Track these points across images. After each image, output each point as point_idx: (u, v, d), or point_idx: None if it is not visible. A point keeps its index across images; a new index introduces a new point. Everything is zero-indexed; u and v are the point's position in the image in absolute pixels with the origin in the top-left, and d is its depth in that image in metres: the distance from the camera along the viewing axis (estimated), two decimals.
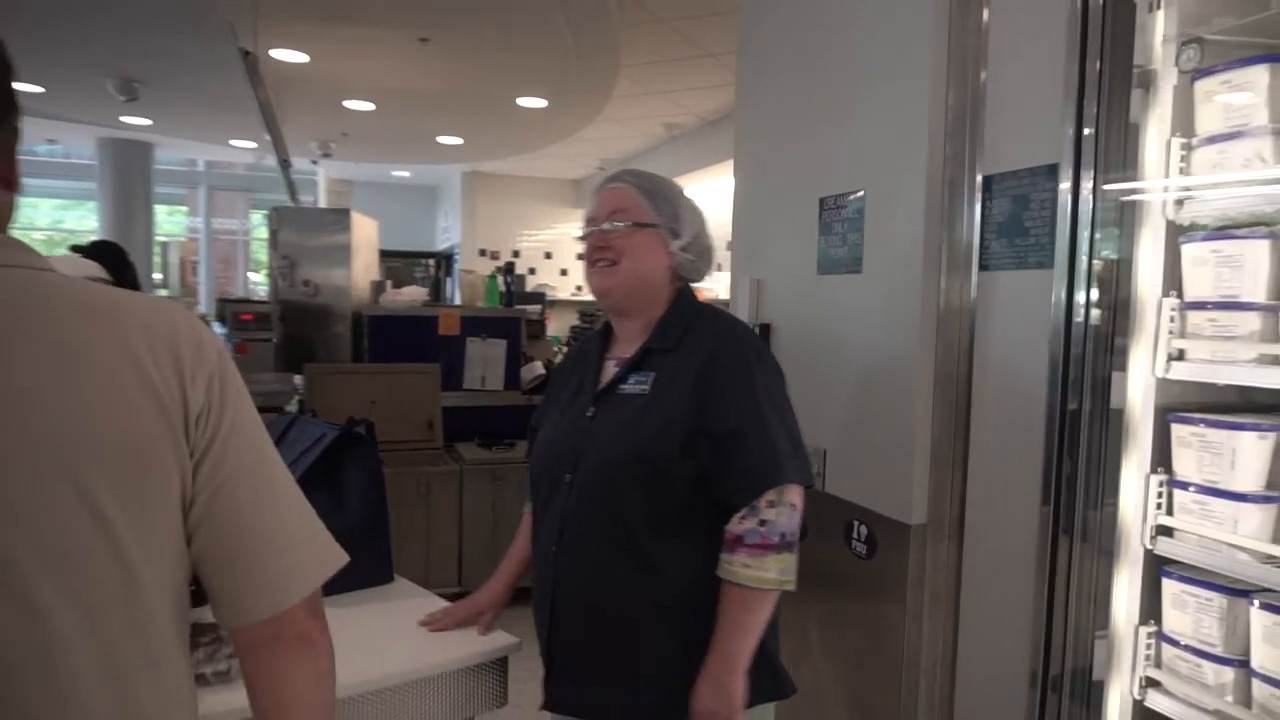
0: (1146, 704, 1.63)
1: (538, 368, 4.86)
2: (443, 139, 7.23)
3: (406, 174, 10.71)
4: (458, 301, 9.22)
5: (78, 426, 0.73)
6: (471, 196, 10.21)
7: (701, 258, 1.53)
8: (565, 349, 5.77)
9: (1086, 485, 1.62)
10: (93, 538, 0.74)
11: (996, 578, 1.79)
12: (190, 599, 0.87)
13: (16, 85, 0.83)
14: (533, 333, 5.09)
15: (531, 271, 10.16)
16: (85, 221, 12.18)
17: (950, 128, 1.83)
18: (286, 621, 0.86)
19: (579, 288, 10.35)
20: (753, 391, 1.39)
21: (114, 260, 4.30)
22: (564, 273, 10.46)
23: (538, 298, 5.68)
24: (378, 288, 4.93)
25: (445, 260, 11.69)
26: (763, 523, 1.35)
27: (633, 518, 1.39)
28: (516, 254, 10.33)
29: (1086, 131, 1.57)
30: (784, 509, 1.36)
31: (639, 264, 1.48)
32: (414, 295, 4.61)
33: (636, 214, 1.48)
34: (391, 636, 1.59)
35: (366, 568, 1.78)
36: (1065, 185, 1.60)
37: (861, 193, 2.04)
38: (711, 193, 7.72)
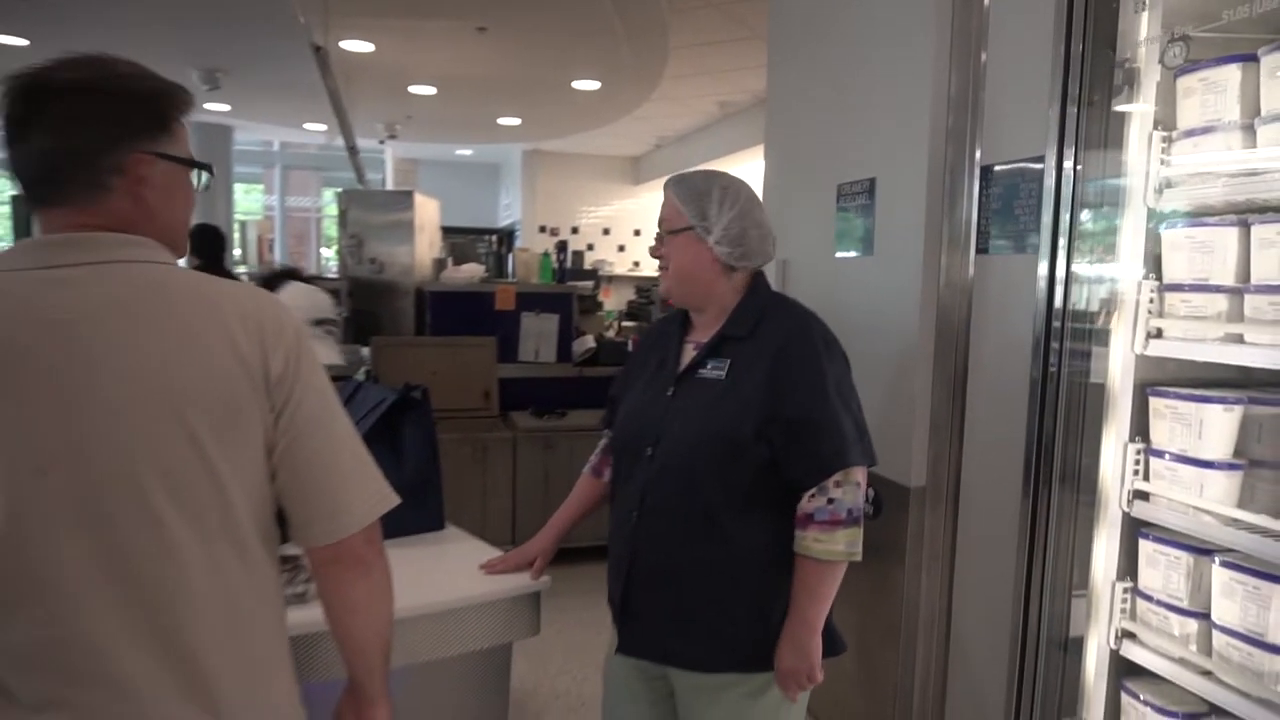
0: (1122, 653, 1.78)
1: (588, 341, 5.08)
2: (502, 120, 7.48)
3: (469, 152, 11.02)
4: (481, 267, 9.55)
5: (187, 386, 0.97)
6: (532, 174, 10.44)
7: (737, 245, 1.59)
8: (620, 323, 5.98)
9: (1064, 453, 1.77)
10: (196, 466, 0.97)
11: (986, 539, 1.95)
12: (279, 534, 1.12)
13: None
14: (584, 308, 5.31)
15: (590, 248, 10.34)
16: None
17: (951, 121, 1.97)
18: (345, 547, 1.09)
19: (636, 263, 10.52)
20: (822, 381, 1.50)
21: (212, 242, 4.68)
22: (621, 249, 10.63)
23: (591, 274, 5.88)
24: (439, 264, 5.20)
25: (507, 236, 12.00)
26: (830, 501, 1.48)
27: (708, 492, 1.52)
28: (575, 230, 10.52)
29: (1069, 125, 1.70)
30: (850, 487, 1.50)
31: (682, 265, 1.61)
32: (472, 272, 4.87)
33: (673, 220, 1.62)
34: (442, 572, 1.84)
35: (421, 515, 2.03)
36: (1051, 176, 1.73)
37: (873, 179, 2.19)
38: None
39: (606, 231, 10.70)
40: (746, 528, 1.55)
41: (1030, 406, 1.78)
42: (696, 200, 1.61)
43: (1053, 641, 1.81)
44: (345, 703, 1.21)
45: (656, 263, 1.69)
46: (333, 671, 1.28)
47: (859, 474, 1.54)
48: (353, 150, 5.81)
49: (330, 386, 1.10)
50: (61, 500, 0.92)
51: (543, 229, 10.50)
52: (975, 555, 2.00)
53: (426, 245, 5.11)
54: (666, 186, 1.67)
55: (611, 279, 9.40)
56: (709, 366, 1.60)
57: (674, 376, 1.64)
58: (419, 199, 4.91)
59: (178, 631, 0.97)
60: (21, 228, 6.76)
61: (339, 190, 5.01)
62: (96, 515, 0.93)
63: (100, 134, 0.99)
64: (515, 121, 7.61)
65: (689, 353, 1.67)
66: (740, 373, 1.56)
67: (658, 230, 1.69)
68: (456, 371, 4.46)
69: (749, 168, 8.19)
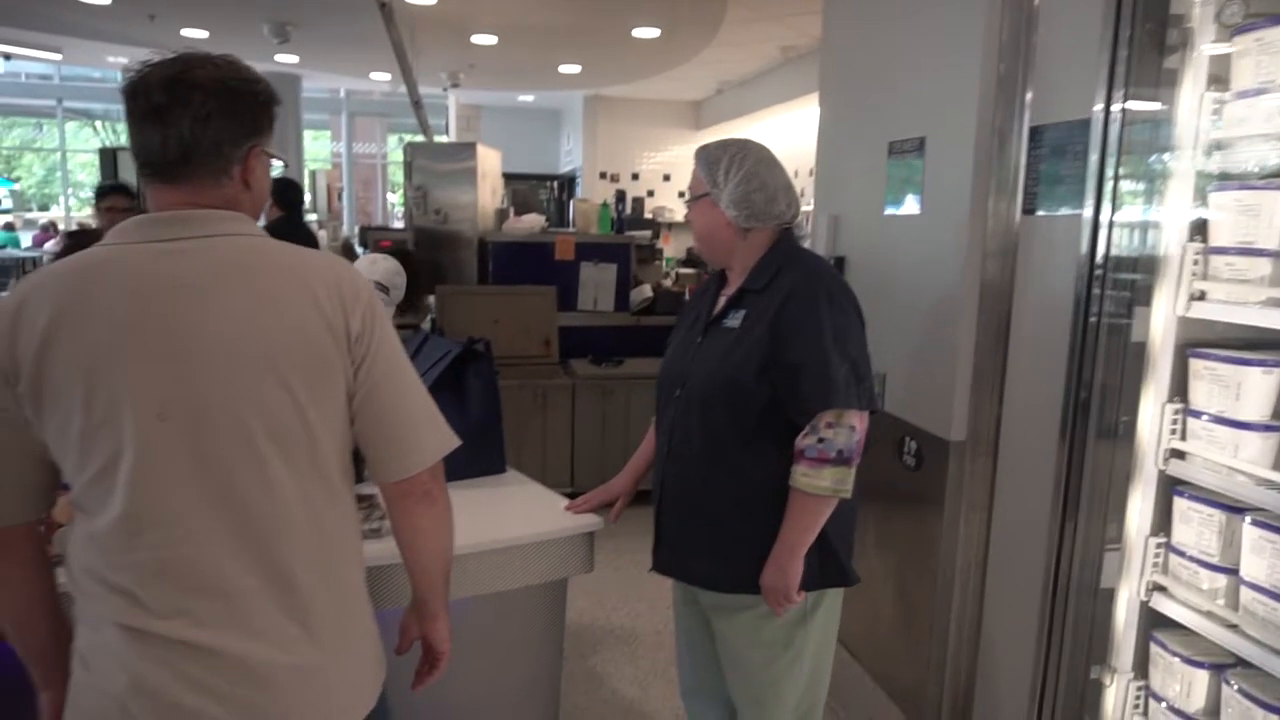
0: (1151, 605, 1.84)
1: (646, 290, 5.18)
2: (563, 68, 7.50)
3: (531, 99, 11.05)
4: (541, 217, 9.63)
5: (283, 345, 1.12)
6: (593, 120, 10.42)
7: (742, 207, 1.73)
8: (679, 271, 6.04)
9: (1102, 410, 1.81)
10: (291, 413, 1.12)
11: (1024, 491, 2.01)
12: (356, 473, 1.27)
13: (202, 47, 1.19)
14: (642, 257, 5.39)
15: (650, 194, 10.36)
16: None
17: (1000, 83, 1.98)
18: (414, 483, 1.24)
19: None
20: (817, 328, 1.63)
21: (291, 194, 4.90)
22: (682, 195, 10.59)
23: (650, 224, 5.93)
24: (501, 214, 5.33)
25: (568, 183, 12.05)
26: (821, 440, 1.62)
27: (719, 428, 1.70)
28: (636, 176, 10.51)
29: (1118, 83, 1.70)
30: (843, 430, 1.63)
31: (702, 227, 1.80)
32: (533, 223, 4.98)
33: (694, 187, 1.80)
34: (503, 512, 1.99)
35: (483, 459, 2.19)
36: (1097, 132, 1.74)
37: (923, 138, 2.22)
38: None
39: (667, 178, 10.66)
40: (753, 461, 1.71)
41: (1069, 363, 1.82)
42: (710, 168, 1.76)
43: (1084, 591, 1.88)
44: (409, 616, 1.39)
45: None
46: (401, 600, 1.44)
47: (854, 418, 1.65)
48: (417, 105, 5.94)
49: (399, 342, 1.24)
50: (180, 442, 1.08)
51: (603, 175, 10.51)
52: (1012, 506, 2.06)
53: (489, 195, 5.22)
54: (694, 157, 1.82)
55: (671, 226, 9.41)
56: (729, 317, 1.77)
57: (703, 326, 1.81)
58: (481, 150, 5.02)
59: (277, 554, 1.13)
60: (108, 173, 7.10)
61: (405, 144, 5.14)
62: (210, 455, 1.09)
63: (233, 129, 1.14)
64: (576, 69, 7.63)
65: (719, 305, 1.83)
66: (752, 322, 1.72)
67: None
68: (518, 320, 4.61)
69: (810, 113, 8.05)
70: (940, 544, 2.18)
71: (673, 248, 8.95)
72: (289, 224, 4.72)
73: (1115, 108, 1.71)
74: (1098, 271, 1.77)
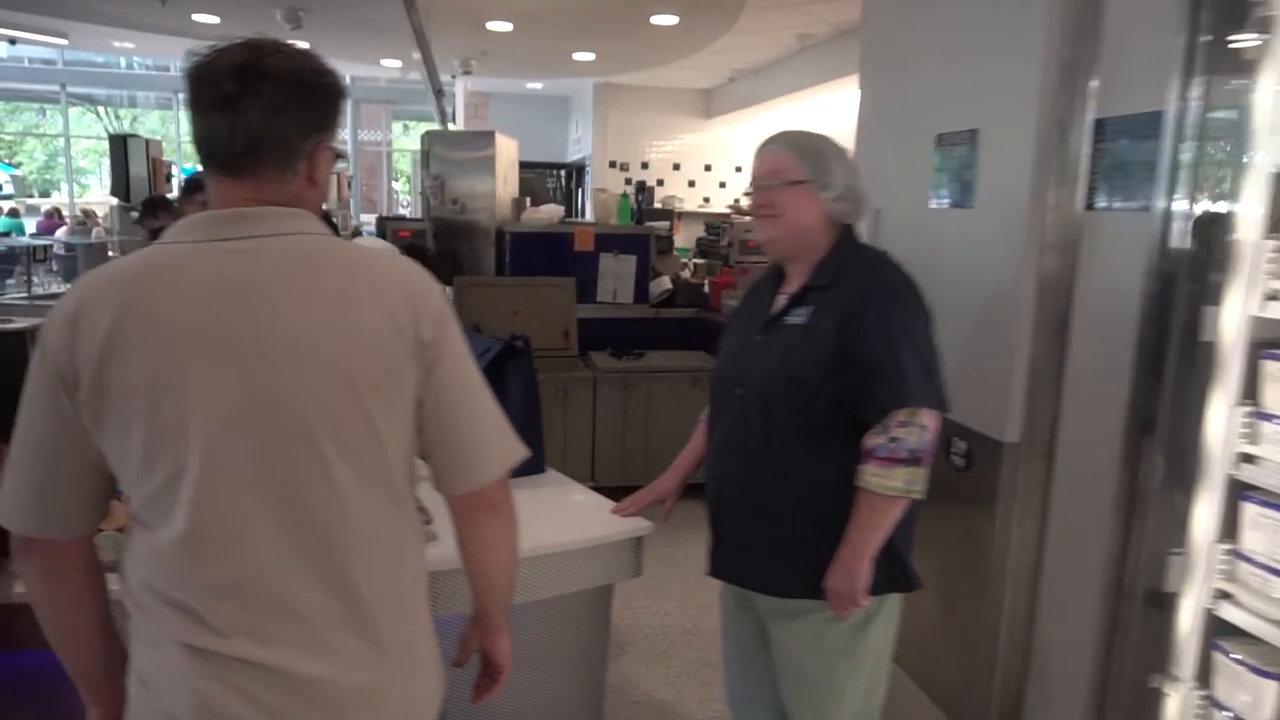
0: (1216, 613, 1.79)
1: (665, 283, 5.12)
2: (577, 55, 7.42)
3: (539, 86, 10.95)
4: (588, 213, 9.54)
5: (353, 352, 1.06)
6: (603, 108, 10.33)
7: (854, 205, 1.71)
8: (696, 262, 5.97)
9: (1171, 412, 1.75)
10: (359, 421, 1.07)
11: (1084, 494, 1.96)
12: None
13: (213, 32, 1.15)
14: (661, 248, 5.33)
15: (660, 183, 10.28)
16: None
17: (1065, 70, 1.91)
18: (482, 494, 1.19)
19: (706, 199, 10.42)
20: (888, 325, 1.60)
21: None
22: (691, 184, 10.52)
23: (666, 214, 5.86)
24: (516, 204, 5.27)
25: (577, 172, 11.97)
26: (893, 439, 1.57)
27: (783, 427, 1.65)
28: (645, 165, 10.43)
29: (1195, 73, 1.63)
30: (914, 429, 1.58)
31: (794, 217, 1.70)
32: (552, 213, 4.92)
33: (789, 173, 1.69)
34: (550, 515, 1.94)
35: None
36: (1170, 124, 1.68)
37: (976, 129, 2.15)
38: (845, 103, 7.60)
39: (677, 167, 10.58)
40: (816, 462, 1.66)
41: (1136, 363, 1.77)
42: (816, 157, 1.69)
43: (1148, 598, 1.83)
44: (471, 630, 1.34)
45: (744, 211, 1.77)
46: (453, 606, 1.39)
47: (926, 416, 1.60)
48: (439, 93, 5.86)
49: (467, 346, 1.18)
50: (247, 454, 1.02)
51: (613, 164, 10.43)
52: (1071, 510, 2.01)
53: (505, 186, 5.16)
54: (773, 142, 1.75)
55: (681, 215, 9.34)
56: (793, 314, 1.72)
57: (763, 323, 1.76)
58: (499, 140, 4.95)
59: (343, 568, 1.08)
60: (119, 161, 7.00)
61: (415, 129, 5.06)
62: (277, 467, 1.03)
63: (303, 122, 1.08)
64: (590, 57, 7.54)
65: (780, 303, 1.78)
66: (819, 319, 1.67)
67: (758, 184, 1.74)
68: (536, 311, 4.55)
69: (826, 101, 8.00)
70: (991, 547, 2.12)
71: (683, 238, 8.89)
72: None
73: (1193, 97, 1.64)
74: (1169, 269, 1.71)
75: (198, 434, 1.01)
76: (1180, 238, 1.69)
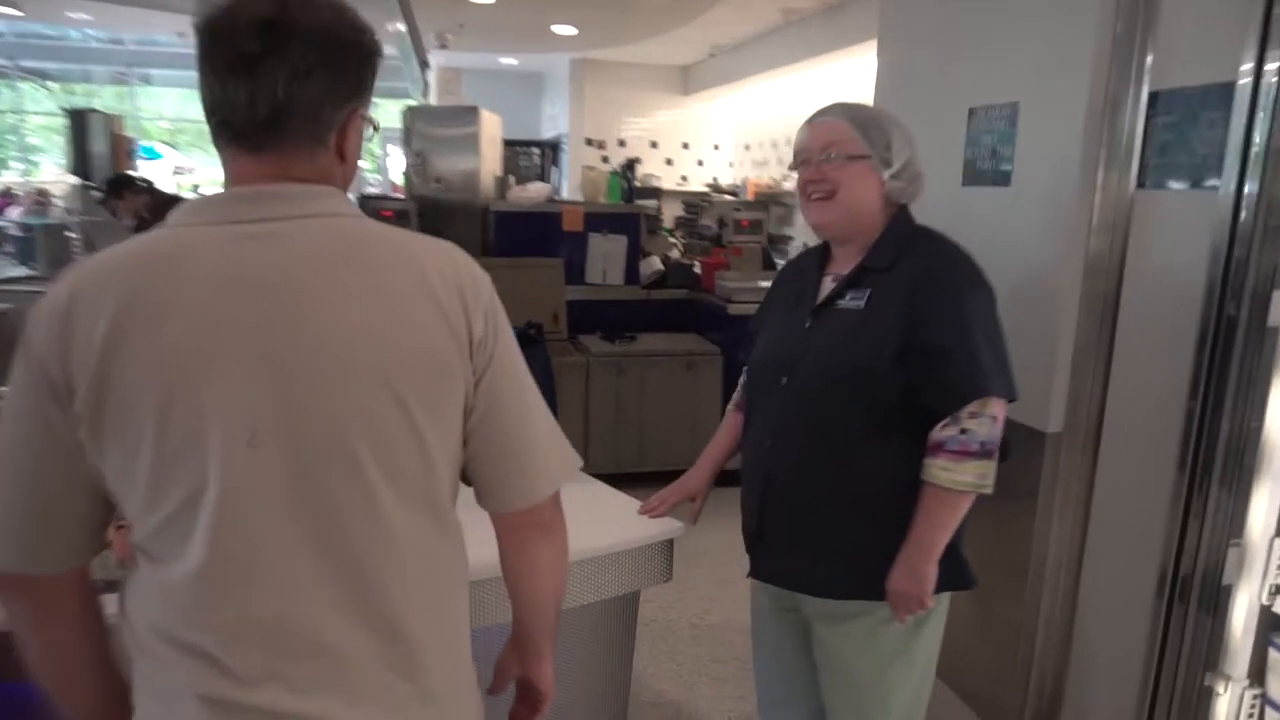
0: (1274, 609, 1.72)
1: (655, 263, 4.98)
2: (557, 28, 7.19)
3: (514, 61, 10.67)
4: (564, 193, 9.35)
5: (398, 353, 0.91)
6: (579, 84, 10.09)
7: (912, 183, 1.59)
8: (686, 241, 5.83)
9: (1235, 401, 1.66)
10: (406, 435, 0.92)
11: (1131, 485, 1.87)
12: None
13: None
14: (650, 228, 5.19)
15: (637, 161, 10.10)
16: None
17: (1118, 40, 1.80)
18: (537, 511, 1.05)
19: (684, 178, 10.26)
20: (960, 311, 1.49)
21: None
22: (669, 162, 10.34)
23: (654, 193, 5.72)
24: (501, 183, 5.09)
25: (552, 149, 11.73)
26: (963, 431, 1.47)
27: (842, 419, 1.54)
28: (623, 143, 10.25)
29: (1272, 50, 1.53)
30: (985, 420, 1.48)
31: (853, 195, 1.56)
32: (539, 192, 4.75)
33: (849, 146, 1.55)
34: (575, 517, 1.80)
35: None
36: (1245, 96, 1.57)
37: (1015, 103, 2.04)
38: (831, 79, 7.47)
39: (654, 144, 10.40)
40: (878, 456, 1.54)
41: (1198, 350, 1.67)
42: (880, 131, 1.56)
43: (1206, 594, 1.75)
44: (510, 654, 1.20)
45: (797, 187, 1.64)
46: (481, 618, 1.25)
47: (996, 406, 1.50)
48: (425, 65, 5.62)
49: (517, 345, 1.04)
50: (275, 474, 0.88)
51: (589, 141, 10.22)
52: (1117, 502, 1.92)
53: (489, 163, 4.97)
54: (830, 112, 1.61)
55: (660, 193, 9.18)
56: (848, 297, 1.58)
57: (812, 308, 1.62)
58: (484, 115, 4.76)
59: (386, 602, 0.94)
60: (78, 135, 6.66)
61: (405, 109, 4.86)
62: (311, 488, 0.89)
63: (337, 88, 0.92)
64: (571, 31, 7.32)
65: (827, 285, 1.65)
66: (879, 303, 1.54)
67: (810, 157, 1.60)
68: (524, 293, 4.39)
69: (810, 77, 7.86)
70: (1030, 541, 2.03)
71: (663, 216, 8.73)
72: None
73: (1270, 68, 1.54)
74: (1239, 251, 1.61)
75: (217, 451, 0.86)
76: (1251, 218, 1.59)
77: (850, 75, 7.11)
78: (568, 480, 1.08)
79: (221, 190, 0.93)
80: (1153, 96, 1.78)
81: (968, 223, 2.22)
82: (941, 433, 1.49)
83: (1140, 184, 1.82)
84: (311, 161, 0.94)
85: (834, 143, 1.56)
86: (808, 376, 1.57)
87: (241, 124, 0.90)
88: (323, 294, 0.89)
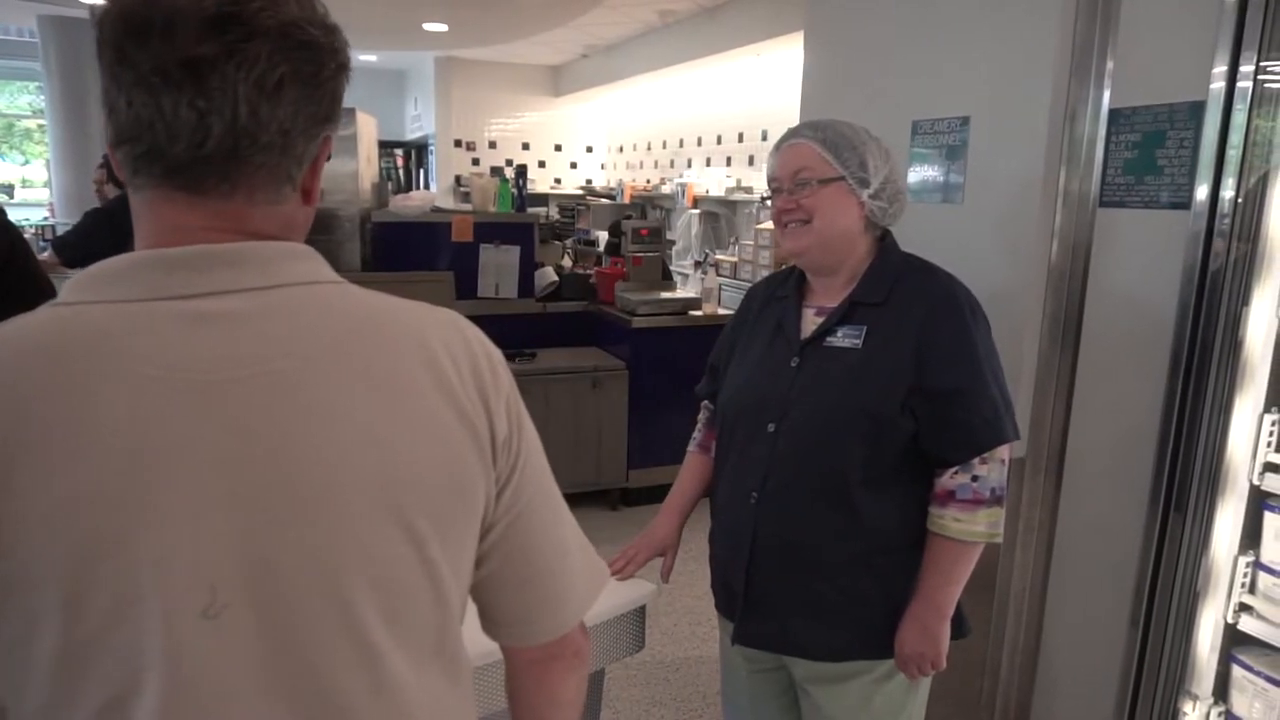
0: (1239, 627, 1.72)
1: (549, 274, 4.76)
2: (428, 26, 6.81)
3: (373, 58, 10.11)
4: (434, 193, 8.95)
5: (406, 467, 0.68)
6: (445, 83, 9.69)
7: (894, 202, 1.47)
8: (570, 251, 5.63)
9: (1207, 421, 1.64)
10: (417, 573, 0.70)
11: (1096, 509, 1.84)
12: None
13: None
14: (542, 236, 4.96)
15: (508, 163, 9.81)
16: (19, 101, 11.39)
17: (1077, 56, 1.75)
18: (568, 641, 0.85)
19: (558, 180, 10.05)
20: (973, 351, 1.38)
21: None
22: (542, 164, 10.12)
23: (543, 199, 5.48)
24: (379, 190, 4.72)
25: (418, 151, 11.21)
26: (975, 478, 1.37)
27: (846, 469, 1.40)
28: (493, 145, 9.95)
29: (1244, 68, 1.51)
30: (995, 465, 1.39)
31: (831, 221, 1.43)
32: (424, 200, 4.43)
33: (820, 169, 1.42)
34: None
35: None
36: (1213, 122, 1.55)
37: (966, 117, 1.97)
38: (708, 83, 7.45)
39: (526, 146, 10.15)
40: (881, 506, 1.42)
41: (1171, 371, 1.64)
42: (852, 149, 1.43)
43: (1180, 617, 1.73)
44: None
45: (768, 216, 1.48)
46: None
47: (1005, 450, 1.42)
48: None
49: (537, 435, 0.82)
50: (242, 651, 0.63)
51: (458, 143, 9.86)
52: (1080, 527, 1.89)
53: (366, 170, 4.60)
54: (799, 133, 1.47)
55: (546, 199, 8.94)
56: (840, 334, 1.45)
57: (798, 345, 1.48)
58: (361, 116, 4.39)
59: None
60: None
61: None
62: (292, 664, 0.65)
63: (311, 106, 0.68)
64: (443, 28, 6.95)
65: (810, 318, 1.51)
66: (879, 342, 1.41)
67: (782, 185, 1.46)
68: None
69: (685, 79, 7.82)
70: (995, 570, 1.97)
71: None
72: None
73: (1243, 86, 1.51)
74: (1211, 268, 1.58)
75: (159, 629, 0.61)
76: (1223, 237, 1.57)
77: (730, 78, 7.11)
78: (598, 595, 0.87)
79: (144, 251, 0.66)
80: (1114, 113, 1.74)
81: (915, 243, 2.15)
82: (952, 480, 1.38)
83: (1102, 201, 1.78)
84: (274, 208, 0.69)
85: (805, 167, 1.43)
86: (802, 422, 1.43)
87: (182, 155, 0.64)
88: (309, 395, 0.65)
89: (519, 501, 0.78)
